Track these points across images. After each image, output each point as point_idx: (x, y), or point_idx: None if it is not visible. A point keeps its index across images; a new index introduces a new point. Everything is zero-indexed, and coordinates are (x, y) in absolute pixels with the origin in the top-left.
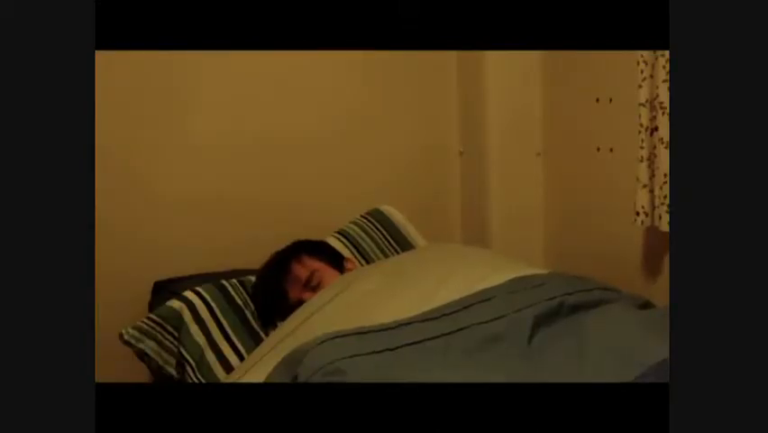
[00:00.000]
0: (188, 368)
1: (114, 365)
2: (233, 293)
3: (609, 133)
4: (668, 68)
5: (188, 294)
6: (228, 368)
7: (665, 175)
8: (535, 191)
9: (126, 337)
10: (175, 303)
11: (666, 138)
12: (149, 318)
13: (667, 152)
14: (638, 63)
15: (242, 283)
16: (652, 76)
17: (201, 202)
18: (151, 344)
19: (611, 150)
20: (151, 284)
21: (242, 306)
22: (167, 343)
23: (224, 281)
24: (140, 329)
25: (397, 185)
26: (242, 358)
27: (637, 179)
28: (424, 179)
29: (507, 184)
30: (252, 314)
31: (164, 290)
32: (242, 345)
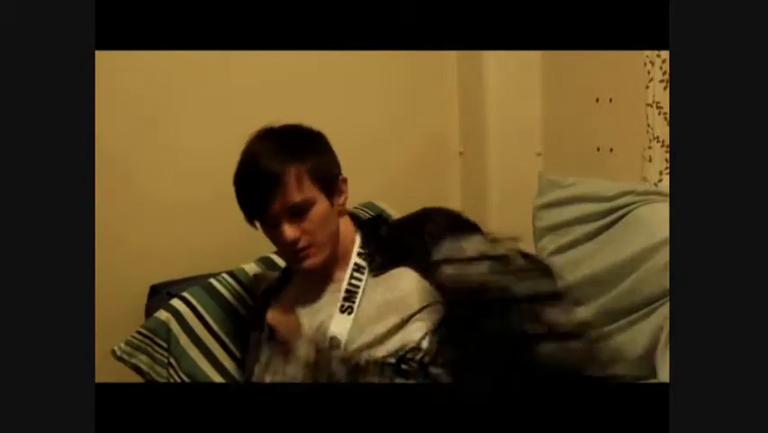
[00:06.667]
0: (179, 379)
1: (114, 365)
2: (219, 288)
3: (609, 133)
4: (665, 68)
5: (174, 302)
6: (224, 373)
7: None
8: (535, 191)
9: (119, 354)
10: (162, 314)
11: (662, 137)
12: (138, 333)
13: (663, 151)
14: (645, 64)
15: (231, 274)
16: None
17: (197, 204)
18: (143, 358)
19: (611, 150)
20: (148, 287)
21: (230, 298)
22: (158, 356)
23: (211, 279)
24: (131, 344)
25: (397, 185)
26: (236, 360)
27: (645, 179)
28: (424, 179)
29: (507, 184)
30: (242, 304)
31: (161, 292)
32: (234, 343)
